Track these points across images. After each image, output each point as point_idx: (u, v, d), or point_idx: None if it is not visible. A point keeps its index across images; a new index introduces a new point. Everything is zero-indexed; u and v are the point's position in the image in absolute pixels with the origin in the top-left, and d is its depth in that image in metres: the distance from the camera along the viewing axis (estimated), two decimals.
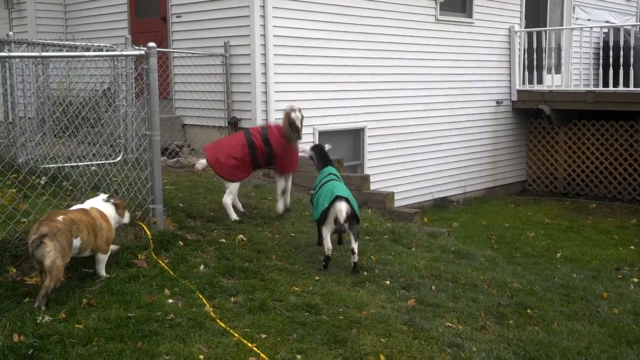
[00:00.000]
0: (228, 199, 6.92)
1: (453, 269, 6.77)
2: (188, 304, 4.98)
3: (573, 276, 7.64)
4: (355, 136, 11.14)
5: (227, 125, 9.82)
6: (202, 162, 7.12)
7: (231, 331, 4.61)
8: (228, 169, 6.84)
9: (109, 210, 5.28)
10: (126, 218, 5.53)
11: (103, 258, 5.21)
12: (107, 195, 5.50)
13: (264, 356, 4.30)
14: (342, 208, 5.85)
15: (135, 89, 7.90)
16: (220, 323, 4.73)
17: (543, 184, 14.39)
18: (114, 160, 7.42)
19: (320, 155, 6.78)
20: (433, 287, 6.08)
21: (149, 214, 6.23)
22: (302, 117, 6.85)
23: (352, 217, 5.93)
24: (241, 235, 6.52)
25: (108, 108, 8.45)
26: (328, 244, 6.02)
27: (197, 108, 10.24)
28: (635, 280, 7.80)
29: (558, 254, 9.10)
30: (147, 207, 6.24)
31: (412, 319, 5.22)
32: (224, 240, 6.37)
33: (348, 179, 9.12)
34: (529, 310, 5.87)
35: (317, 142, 8.15)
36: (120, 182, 6.61)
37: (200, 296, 5.10)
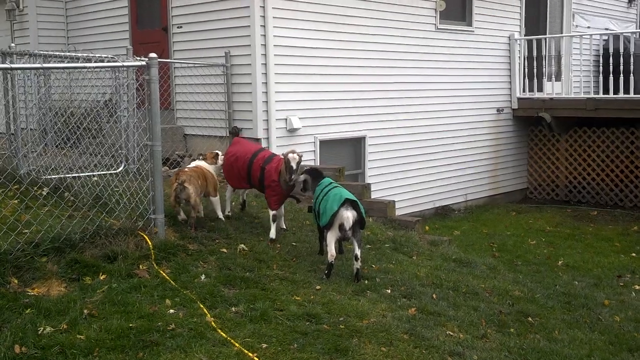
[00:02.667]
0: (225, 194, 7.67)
1: (454, 277, 6.77)
2: (189, 314, 4.99)
3: (574, 284, 7.64)
4: (356, 145, 11.16)
5: (228, 135, 9.84)
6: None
7: (232, 341, 4.62)
8: (226, 170, 7.34)
9: (208, 165, 7.20)
10: (219, 161, 7.34)
11: (216, 201, 7.16)
12: (203, 156, 7.50)
13: None
14: (348, 215, 5.91)
15: (137, 99, 7.94)
16: (221, 333, 4.74)
17: (544, 191, 14.40)
18: (115, 171, 7.45)
19: (315, 176, 6.64)
20: (434, 296, 6.09)
21: (150, 224, 6.25)
22: (300, 161, 6.71)
23: (357, 223, 5.97)
24: (242, 245, 6.53)
25: (109, 119, 8.49)
26: (332, 250, 6.03)
27: (199, 118, 10.28)
28: (637, 287, 7.79)
29: (559, 262, 9.10)
30: (148, 217, 6.26)
31: (413, 328, 5.22)
32: (225, 250, 6.38)
33: (349, 187, 9.06)
34: (530, 318, 5.87)
35: (313, 166, 8.06)
36: (122, 192, 6.63)
37: (202, 306, 5.11)
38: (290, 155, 6.59)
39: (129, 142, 7.84)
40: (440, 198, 12.66)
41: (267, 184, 6.83)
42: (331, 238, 6.03)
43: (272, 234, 6.85)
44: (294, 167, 6.61)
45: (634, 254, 9.76)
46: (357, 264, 6.10)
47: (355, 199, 6.09)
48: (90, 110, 8.37)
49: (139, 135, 7.62)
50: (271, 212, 6.86)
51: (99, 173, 7.34)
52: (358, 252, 6.05)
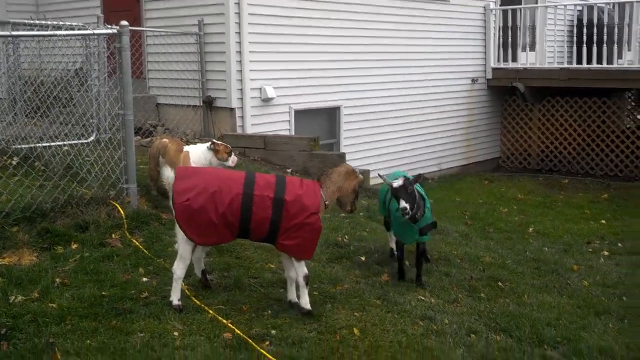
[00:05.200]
0: None
1: (427, 245, 6.84)
2: (163, 282, 5.00)
3: (545, 250, 7.78)
4: (331, 115, 11.15)
5: (201, 104, 9.76)
6: None
7: (206, 308, 4.64)
8: (187, 217, 4.73)
9: (207, 157, 6.24)
10: (231, 162, 6.31)
11: None
12: (214, 146, 6.31)
13: (239, 332, 4.34)
14: None
15: (108, 68, 7.82)
16: (195, 300, 4.76)
17: (517, 160, 14.55)
18: (86, 140, 7.36)
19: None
20: (407, 263, 6.15)
21: (122, 193, 6.21)
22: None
23: None
24: None
25: (80, 87, 8.36)
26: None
27: (171, 87, 10.16)
28: (606, 253, 7.95)
29: (530, 229, 9.24)
30: (120, 187, 6.22)
31: (386, 294, 5.30)
32: None
33: (324, 157, 9.17)
34: (500, 283, 5.97)
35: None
36: (94, 161, 6.57)
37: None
38: (361, 176, 4.91)
39: (100, 112, 7.74)
40: (415, 167, 12.70)
41: (300, 222, 4.51)
42: None
43: (307, 302, 4.72)
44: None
45: (603, 221, 9.94)
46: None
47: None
48: (61, 79, 8.22)
49: (111, 104, 7.52)
50: (303, 272, 4.66)
51: (70, 142, 7.24)
52: None
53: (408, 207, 5.11)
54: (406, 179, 5.27)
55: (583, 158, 13.75)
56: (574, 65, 13.34)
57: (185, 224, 4.48)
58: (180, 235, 4.57)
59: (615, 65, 12.84)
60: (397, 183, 5.23)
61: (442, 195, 11.59)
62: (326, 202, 4.72)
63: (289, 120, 10.26)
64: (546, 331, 4.93)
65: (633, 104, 14.21)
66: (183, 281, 5.00)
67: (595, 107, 13.49)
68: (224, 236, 4.61)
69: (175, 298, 4.62)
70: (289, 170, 8.89)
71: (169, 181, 4.69)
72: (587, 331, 5.07)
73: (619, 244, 8.54)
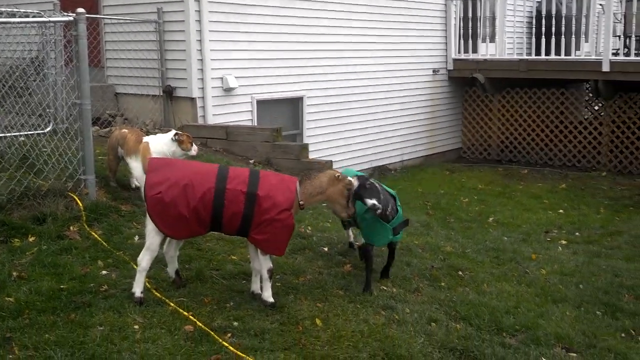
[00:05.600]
0: None
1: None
2: (122, 275, 4.94)
3: (504, 239, 7.91)
4: (294, 105, 11.11)
5: (162, 94, 9.63)
6: None
7: (167, 301, 4.60)
8: (159, 210, 4.69)
9: (170, 147, 6.19)
10: (193, 151, 6.30)
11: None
12: (178, 137, 6.24)
13: (200, 324, 4.31)
14: None
15: (65, 56, 7.65)
16: (156, 293, 4.71)
17: (477, 151, 14.74)
18: (43, 131, 7.19)
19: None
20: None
21: (80, 185, 6.10)
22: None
23: None
24: None
25: (36, 76, 8.17)
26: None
27: (131, 76, 9.99)
28: (563, 242, 8.12)
29: (490, 219, 9.38)
30: (78, 178, 6.11)
31: (348, 284, 5.32)
32: None
33: (287, 148, 9.15)
34: (460, 272, 6.05)
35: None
36: (50, 152, 6.43)
37: (135, 267, 5.03)
38: (354, 181, 4.79)
39: (56, 101, 7.56)
40: (378, 158, 12.79)
41: (271, 217, 4.47)
42: None
43: (269, 295, 4.70)
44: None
45: (561, 211, 10.15)
46: None
47: None
48: (16, 67, 8.01)
49: (67, 93, 7.36)
50: (267, 265, 4.65)
51: (25, 133, 7.07)
52: None
53: (376, 202, 4.88)
54: (360, 177, 5.02)
55: (542, 149, 13.99)
56: (533, 57, 13.55)
57: (157, 217, 4.45)
58: (150, 226, 4.52)
59: (573, 57, 13.07)
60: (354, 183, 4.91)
61: (405, 185, 11.68)
62: (301, 202, 4.65)
63: (252, 111, 10.20)
64: (505, 319, 5.01)
65: (590, 95, 14.49)
66: None
67: (553, 98, 13.73)
68: (196, 229, 4.58)
69: (138, 290, 4.56)
70: (251, 161, 8.85)
71: (135, 174, 4.66)
72: (544, 319, 5.17)
73: (577, 233, 8.73)
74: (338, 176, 4.72)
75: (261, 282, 4.73)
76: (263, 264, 4.64)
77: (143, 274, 4.58)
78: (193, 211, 4.42)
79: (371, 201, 4.87)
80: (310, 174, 4.79)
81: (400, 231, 5.39)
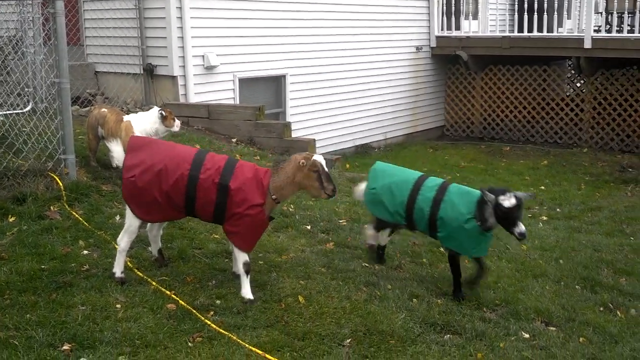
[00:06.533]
0: None
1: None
2: (104, 255, 4.92)
3: None
4: (277, 83, 11.05)
5: (142, 72, 9.53)
6: None
7: (149, 280, 4.60)
8: (135, 193, 4.60)
9: (153, 124, 6.26)
10: (176, 126, 6.35)
11: None
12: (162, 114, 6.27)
13: (183, 302, 4.32)
14: None
15: (43, 34, 7.53)
16: (138, 272, 4.71)
17: (460, 128, 14.78)
18: (22, 110, 7.10)
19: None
20: (352, 230, 6.21)
21: (60, 164, 6.04)
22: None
23: None
24: None
25: (14, 55, 8.05)
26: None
27: (111, 55, 9.87)
28: (544, 218, 8.19)
29: None
30: (58, 158, 6.04)
31: (331, 261, 5.34)
32: None
33: (269, 126, 9.12)
34: (441, 249, 6.08)
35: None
36: (29, 132, 6.36)
37: (117, 246, 5.02)
38: (317, 157, 4.44)
39: (35, 80, 7.47)
40: (361, 136, 12.79)
41: (241, 212, 4.36)
42: None
43: (248, 292, 4.50)
44: (327, 170, 4.47)
45: (542, 187, 10.22)
46: None
47: None
48: None
49: (46, 72, 7.26)
50: (243, 258, 4.49)
51: (4, 112, 6.98)
52: None
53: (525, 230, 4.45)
54: (517, 195, 4.50)
55: (524, 126, 14.06)
56: (516, 34, 13.56)
57: (130, 200, 4.44)
58: (128, 208, 4.51)
59: (555, 34, 13.09)
60: (510, 201, 4.45)
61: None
62: (273, 197, 4.44)
63: (234, 89, 10.13)
64: (485, 294, 5.07)
65: (572, 72, 14.55)
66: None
67: (535, 75, 13.77)
68: (170, 214, 4.54)
69: (118, 270, 4.56)
70: (233, 140, 8.81)
71: (116, 156, 4.59)
72: (524, 293, 5.23)
73: (557, 209, 8.81)
74: (301, 162, 4.39)
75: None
76: (238, 257, 4.50)
77: (123, 255, 4.57)
78: (166, 196, 4.36)
79: (523, 228, 4.47)
80: (277, 166, 4.51)
81: None
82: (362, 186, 5.37)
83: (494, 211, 4.51)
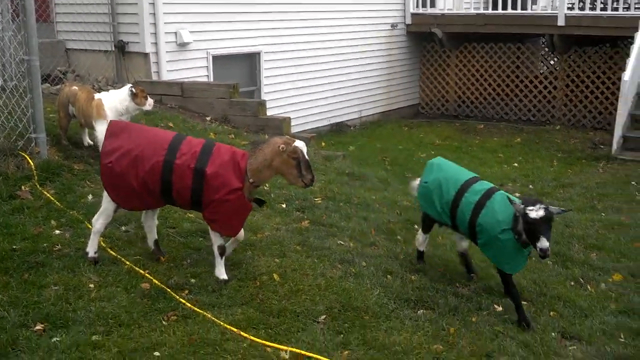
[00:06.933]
0: None
1: (347, 190, 6.94)
2: (76, 235, 4.87)
3: None
4: (252, 60, 10.95)
5: (114, 49, 9.37)
6: None
7: (122, 259, 4.57)
8: (112, 181, 4.52)
9: (124, 102, 6.10)
10: (148, 105, 6.21)
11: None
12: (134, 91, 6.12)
13: (157, 282, 4.30)
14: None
15: (11, 10, 7.35)
16: (111, 252, 4.67)
17: (435, 106, 14.82)
18: None
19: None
20: (327, 208, 6.23)
21: (31, 143, 5.95)
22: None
23: None
24: None
25: None
26: None
27: (82, 31, 9.67)
28: (517, 194, 8.26)
29: None
30: (29, 137, 5.94)
31: (306, 239, 5.36)
32: None
33: (244, 104, 9.05)
34: (416, 226, 6.12)
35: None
36: None
37: (89, 226, 4.97)
38: (298, 144, 4.24)
39: (4, 57, 7.30)
40: (336, 115, 12.76)
41: (219, 197, 4.24)
42: None
43: (222, 272, 4.45)
44: (307, 158, 4.29)
45: (516, 164, 10.33)
46: None
47: None
48: None
49: (15, 49, 7.10)
50: (217, 241, 4.43)
51: None
52: None
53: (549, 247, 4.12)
54: (548, 208, 4.17)
55: (498, 103, 14.14)
56: (490, 11, 13.57)
57: (108, 186, 4.38)
58: (105, 191, 4.45)
59: (529, 11, 13.12)
60: (538, 213, 4.15)
61: (363, 142, 11.72)
62: (251, 180, 4.28)
63: (207, 67, 10.02)
64: (458, 269, 5.13)
65: (546, 49, 14.62)
66: None
67: (509, 53, 13.82)
68: (149, 202, 4.42)
69: (91, 250, 4.52)
70: (207, 118, 8.74)
71: (101, 137, 4.52)
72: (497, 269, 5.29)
73: (530, 186, 8.92)
74: (281, 147, 4.22)
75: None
76: (214, 239, 4.43)
77: (97, 236, 4.53)
78: (142, 183, 4.27)
79: (546, 244, 4.13)
80: (255, 148, 4.34)
81: None
82: (417, 181, 5.22)
83: (522, 221, 4.26)
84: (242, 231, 4.60)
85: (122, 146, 4.30)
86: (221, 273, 4.45)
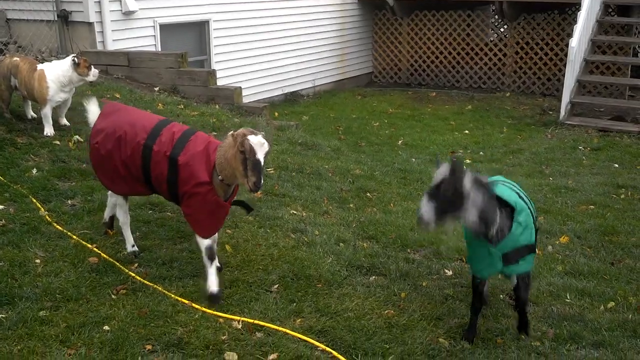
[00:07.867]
0: None
1: (299, 160, 6.91)
2: (21, 209, 4.74)
3: (412, 160, 8.09)
4: (201, 29, 10.72)
5: (57, 19, 9.05)
6: None
7: (69, 233, 4.47)
8: (98, 162, 4.36)
9: (66, 72, 5.96)
10: (91, 75, 6.04)
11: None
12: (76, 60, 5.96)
13: (105, 255, 4.23)
14: None
15: None
16: (57, 226, 4.57)
17: (388, 75, 14.83)
18: None
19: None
20: (279, 178, 6.19)
21: None
22: (270, 150, 3.76)
23: None
24: (77, 136, 6.19)
25: None
26: None
27: (22, 1, 9.31)
28: (468, 161, 8.40)
29: (400, 141, 9.55)
30: None
31: (258, 210, 5.32)
32: (58, 142, 6.03)
33: (193, 74, 8.89)
34: (368, 194, 6.17)
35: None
36: None
37: (34, 200, 4.86)
38: (252, 138, 3.63)
39: None
40: (289, 84, 12.66)
41: (187, 190, 3.87)
42: None
43: (213, 284, 3.88)
44: (261, 160, 3.65)
45: (467, 131, 10.44)
46: None
47: None
48: None
49: None
50: (203, 243, 3.92)
51: None
52: None
53: (425, 214, 3.34)
54: (456, 162, 3.36)
55: (449, 71, 14.24)
56: None
57: (97, 168, 4.22)
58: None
59: None
60: (440, 171, 3.36)
61: (317, 111, 11.67)
62: (220, 177, 3.81)
63: (155, 36, 9.77)
64: (410, 235, 5.18)
65: (496, 17, 14.74)
66: (43, 207, 4.79)
67: (460, 21, 13.88)
68: (135, 188, 4.15)
69: (129, 245, 4.37)
70: (156, 89, 8.56)
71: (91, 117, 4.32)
72: (447, 234, 5.36)
73: (481, 152, 9.04)
74: (234, 135, 3.69)
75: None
76: (198, 243, 3.95)
77: (125, 227, 4.37)
78: (124, 166, 4.03)
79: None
80: (226, 135, 3.80)
81: (518, 260, 3.69)
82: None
83: None
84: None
85: (108, 126, 4.08)
86: (212, 284, 3.87)
